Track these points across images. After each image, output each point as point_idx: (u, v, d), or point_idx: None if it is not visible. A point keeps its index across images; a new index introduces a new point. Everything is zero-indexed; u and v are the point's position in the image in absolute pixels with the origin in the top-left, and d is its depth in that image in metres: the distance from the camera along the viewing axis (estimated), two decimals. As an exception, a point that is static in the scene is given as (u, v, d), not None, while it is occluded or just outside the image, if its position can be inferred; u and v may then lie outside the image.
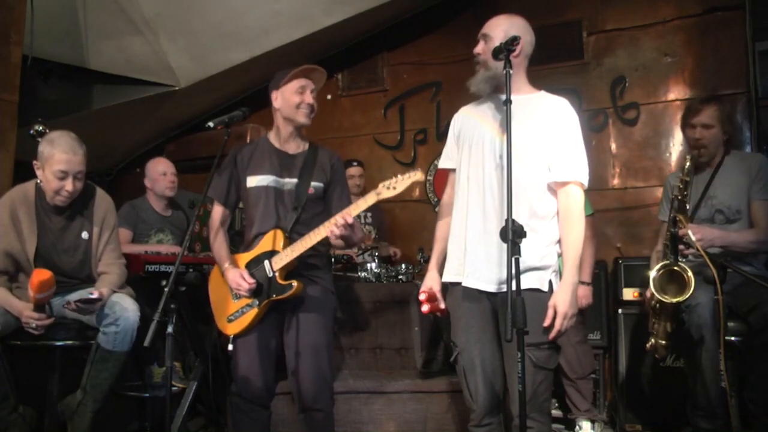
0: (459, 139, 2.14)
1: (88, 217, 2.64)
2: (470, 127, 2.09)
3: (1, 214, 2.49)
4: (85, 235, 2.62)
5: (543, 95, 2.05)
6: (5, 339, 2.41)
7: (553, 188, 1.98)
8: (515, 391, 1.74)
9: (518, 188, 1.90)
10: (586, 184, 1.97)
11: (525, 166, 1.94)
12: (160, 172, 3.49)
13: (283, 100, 2.43)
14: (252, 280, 2.34)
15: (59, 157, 2.45)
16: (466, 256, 1.98)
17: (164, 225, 3.49)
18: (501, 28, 2.00)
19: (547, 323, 1.86)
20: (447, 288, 2.12)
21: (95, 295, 2.38)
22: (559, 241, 1.97)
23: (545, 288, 1.92)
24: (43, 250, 2.53)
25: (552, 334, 1.86)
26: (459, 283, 2.01)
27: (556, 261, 1.97)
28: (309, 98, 2.42)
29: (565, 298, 1.86)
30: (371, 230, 4.17)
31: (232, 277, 2.36)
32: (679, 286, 2.49)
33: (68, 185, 2.48)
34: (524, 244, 1.78)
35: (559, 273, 1.98)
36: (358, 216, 4.07)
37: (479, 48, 2.03)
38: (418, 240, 4.44)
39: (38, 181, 2.56)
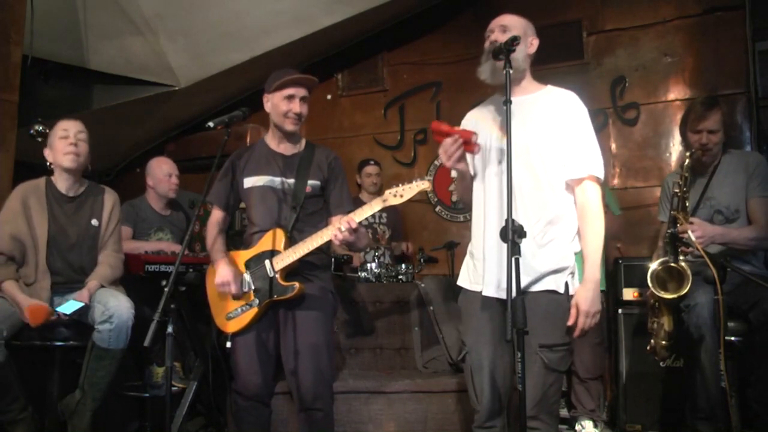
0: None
1: (97, 207, 2.73)
2: (481, 131, 2.06)
3: (13, 201, 2.58)
4: (95, 222, 2.70)
5: (549, 90, 2.04)
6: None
7: (571, 185, 1.96)
8: (526, 390, 1.73)
9: (536, 190, 1.91)
10: (601, 177, 1.95)
11: (541, 166, 1.93)
12: (165, 173, 3.49)
13: (272, 106, 2.44)
14: (236, 288, 2.36)
15: (59, 125, 2.66)
16: (485, 265, 1.96)
17: (163, 224, 3.50)
18: (521, 26, 2.00)
19: (570, 322, 1.85)
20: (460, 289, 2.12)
21: (81, 302, 2.44)
22: (575, 237, 1.96)
23: (561, 290, 1.91)
24: (55, 235, 2.58)
25: (576, 333, 1.85)
26: (474, 290, 2.01)
27: (573, 263, 1.95)
28: (297, 107, 2.41)
29: (587, 295, 1.84)
30: (385, 231, 4.18)
31: (221, 276, 2.38)
32: (677, 283, 2.49)
33: (71, 138, 2.61)
34: (544, 252, 1.81)
35: (577, 273, 1.97)
36: (373, 215, 4.15)
37: (501, 37, 1.96)
38: (418, 240, 4.45)
39: (48, 176, 2.67)
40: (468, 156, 2.11)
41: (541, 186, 1.93)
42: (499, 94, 2.05)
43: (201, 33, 3.95)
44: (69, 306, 2.43)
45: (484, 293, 1.96)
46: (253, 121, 4.34)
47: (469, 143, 1.93)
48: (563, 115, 1.96)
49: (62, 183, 2.67)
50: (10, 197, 2.61)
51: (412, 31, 4.69)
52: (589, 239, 1.91)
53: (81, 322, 2.51)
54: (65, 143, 2.61)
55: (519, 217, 1.89)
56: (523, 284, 1.84)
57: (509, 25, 1.99)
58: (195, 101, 4.75)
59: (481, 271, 1.99)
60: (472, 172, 2.10)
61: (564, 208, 1.95)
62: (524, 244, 1.74)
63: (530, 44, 2.02)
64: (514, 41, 1.81)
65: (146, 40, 3.87)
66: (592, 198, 1.92)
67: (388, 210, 4.22)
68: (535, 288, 1.90)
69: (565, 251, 1.94)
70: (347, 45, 4.79)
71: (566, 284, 1.92)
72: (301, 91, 2.42)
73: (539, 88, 2.05)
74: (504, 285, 1.86)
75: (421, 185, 2.19)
